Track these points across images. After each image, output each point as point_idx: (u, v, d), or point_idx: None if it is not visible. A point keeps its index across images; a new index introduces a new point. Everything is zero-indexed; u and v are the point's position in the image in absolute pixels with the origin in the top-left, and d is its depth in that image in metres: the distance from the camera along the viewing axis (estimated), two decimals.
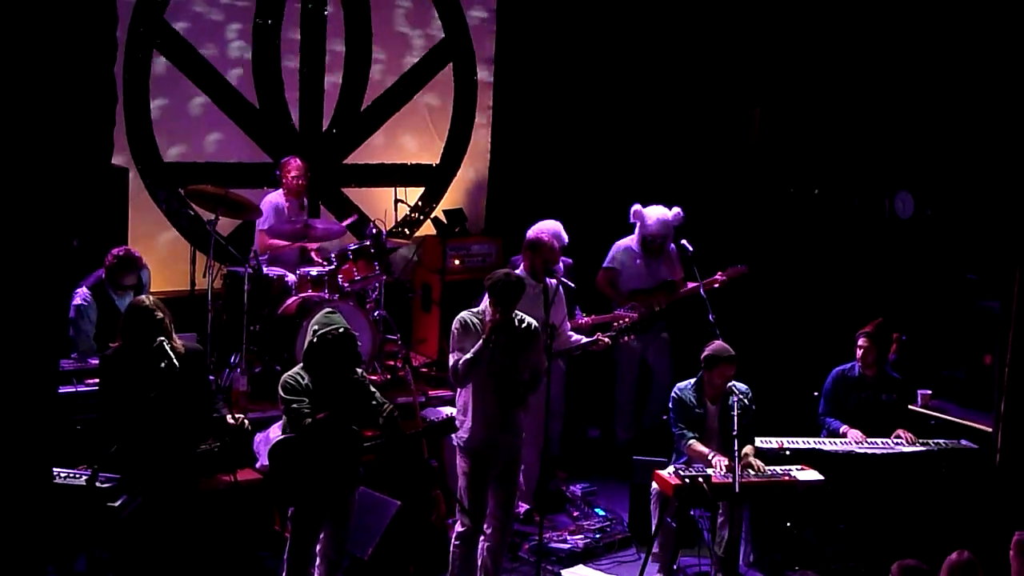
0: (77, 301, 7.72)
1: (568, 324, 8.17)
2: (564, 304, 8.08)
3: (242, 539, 7.26)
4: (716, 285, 8.96)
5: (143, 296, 6.65)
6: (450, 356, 6.93)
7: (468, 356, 6.76)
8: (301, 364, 6.43)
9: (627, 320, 8.44)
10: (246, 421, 6.79)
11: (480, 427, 6.87)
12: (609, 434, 9.66)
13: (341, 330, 6.30)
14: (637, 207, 9.12)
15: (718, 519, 7.32)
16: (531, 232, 8.21)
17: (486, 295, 6.89)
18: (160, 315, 6.30)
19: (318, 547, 6.52)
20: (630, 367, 9.36)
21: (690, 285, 9.09)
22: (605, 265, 9.23)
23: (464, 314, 6.97)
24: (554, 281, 7.73)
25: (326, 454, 6.29)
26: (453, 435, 6.90)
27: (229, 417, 6.71)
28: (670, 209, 9.10)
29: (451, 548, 7.01)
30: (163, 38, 9.29)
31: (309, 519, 6.41)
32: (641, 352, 9.29)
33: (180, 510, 6.37)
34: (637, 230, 9.13)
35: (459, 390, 7.01)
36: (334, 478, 6.36)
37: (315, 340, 6.30)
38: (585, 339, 8.12)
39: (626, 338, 8.34)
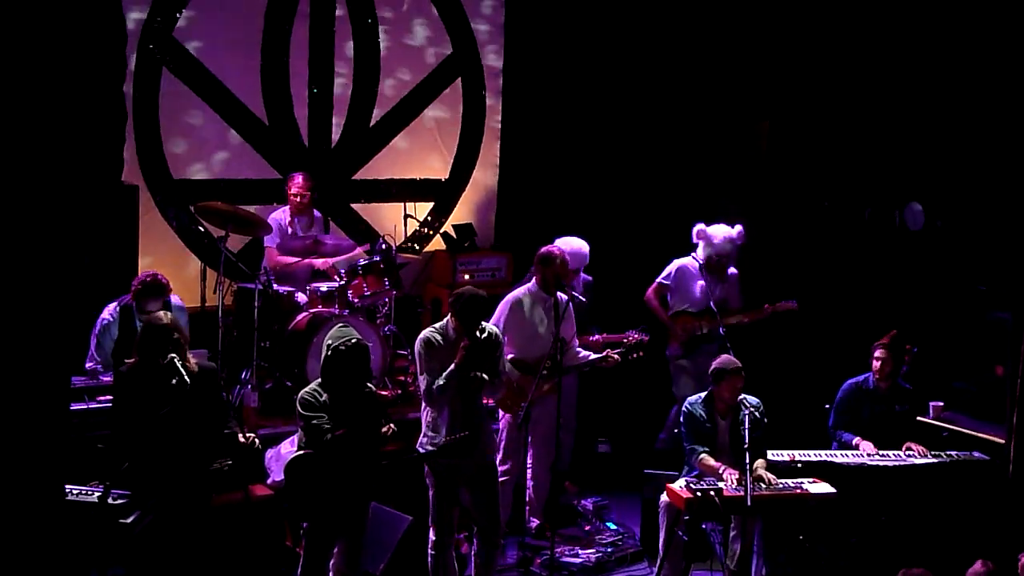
0: (104, 316, 7.77)
1: (577, 340, 8.14)
2: (574, 319, 8.05)
3: (255, 555, 7.25)
4: (761, 317, 8.83)
5: (160, 313, 6.67)
6: (420, 379, 6.82)
7: (441, 382, 6.68)
8: (318, 380, 6.45)
9: (636, 338, 8.35)
10: (256, 440, 6.79)
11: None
12: (619, 448, 9.59)
13: (353, 341, 6.34)
14: (700, 226, 8.91)
15: (730, 533, 7.30)
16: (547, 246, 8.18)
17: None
18: (175, 333, 6.32)
19: (331, 562, 6.52)
20: (688, 389, 8.89)
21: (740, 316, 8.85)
22: (660, 280, 9.06)
23: (426, 333, 6.87)
24: (564, 296, 7.71)
25: (342, 469, 6.31)
26: (420, 447, 6.83)
27: (240, 436, 6.72)
28: (732, 227, 8.92)
29: (428, 559, 6.91)
30: (172, 56, 9.32)
31: (323, 534, 6.42)
32: (699, 374, 9.07)
33: (192, 526, 6.36)
34: (702, 250, 8.90)
35: (424, 407, 6.91)
36: (349, 493, 6.37)
37: (330, 354, 6.33)
38: (594, 355, 8.09)
39: (635, 355, 8.28)
